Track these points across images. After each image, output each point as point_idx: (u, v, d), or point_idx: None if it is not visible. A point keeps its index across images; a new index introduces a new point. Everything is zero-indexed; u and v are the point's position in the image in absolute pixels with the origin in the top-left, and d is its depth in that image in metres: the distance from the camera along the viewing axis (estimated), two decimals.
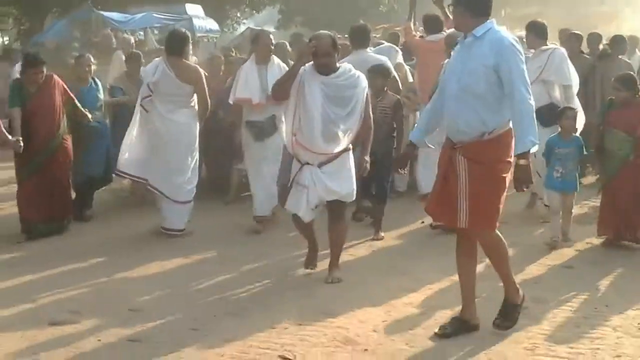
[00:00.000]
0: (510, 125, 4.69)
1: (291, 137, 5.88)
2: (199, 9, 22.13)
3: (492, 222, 4.69)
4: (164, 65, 7.44)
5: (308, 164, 5.84)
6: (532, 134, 4.57)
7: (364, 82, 6.02)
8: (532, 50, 8.05)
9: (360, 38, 8.33)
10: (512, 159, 4.68)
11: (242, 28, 30.71)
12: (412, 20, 9.59)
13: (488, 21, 4.75)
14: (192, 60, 8.74)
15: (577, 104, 7.86)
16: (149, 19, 19.19)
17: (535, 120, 4.63)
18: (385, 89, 7.53)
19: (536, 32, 8.09)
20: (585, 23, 29.47)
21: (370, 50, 8.59)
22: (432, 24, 9.00)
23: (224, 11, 29.50)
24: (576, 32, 10.52)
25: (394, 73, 8.30)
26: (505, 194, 4.69)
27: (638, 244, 6.93)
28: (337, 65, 5.96)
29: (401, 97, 8.00)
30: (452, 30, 7.59)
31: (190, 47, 7.89)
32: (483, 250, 4.85)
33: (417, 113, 9.15)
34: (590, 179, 9.78)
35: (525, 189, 4.69)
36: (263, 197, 7.57)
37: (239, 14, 32.23)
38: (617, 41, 10.29)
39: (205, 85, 7.64)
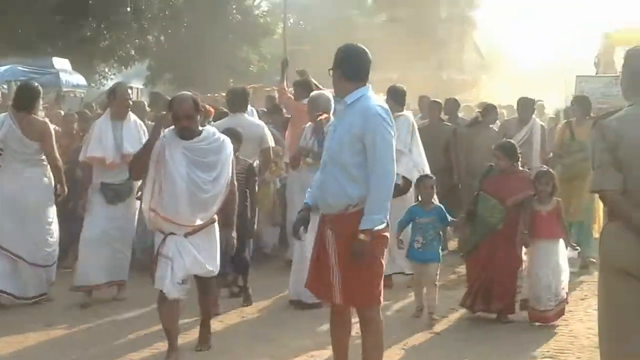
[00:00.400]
0: None
1: (149, 214, 5.44)
2: (67, 63, 21.66)
3: (369, 299, 4.57)
4: (10, 120, 7.01)
5: (173, 233, 5.42)
6: (383, 212, 4.46)
7: (229, 146, 5.64)
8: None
9: (238, 101, 8.24)
10: (386, 233, 4.60)
11: (110, 83, 30.27)
12: (285, 81, 9.66)
13: (363, 87, 4.64)
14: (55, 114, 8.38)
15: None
16: (14, 72, 18.50)
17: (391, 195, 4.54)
18: (236, 153, 6.97)
19: (394, 98, 8.16)
20: (446, 89, 30.82)
21: (247, 115, 8.49)
22: (301, 88, 9.01)
23: (92, 66, 28.98)
24: (436, 99, 10.83)
25: (271, 143, 8.22)
26: (383, 269, 4.60)
27: (494, 314, 6.84)
28: (200, 128, 5.56)
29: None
30: (316, 92, 7.65)
31: (41, 102, 7.51)
32: (359, 324, 4.76)
33: (277, 179, 9.29)
34: (454, 244, 9.99)
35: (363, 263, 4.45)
36: (92, 266, 7.12)
37: (107, 69, 31.75)
38: (489, 110, 10.49)
39: (54, 143, 7.20)
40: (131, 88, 10.57)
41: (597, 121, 4.38)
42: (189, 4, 30.89)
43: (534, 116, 10.16)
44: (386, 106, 4.71)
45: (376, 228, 4.45)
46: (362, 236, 4.40)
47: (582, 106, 9.69)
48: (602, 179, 4.17)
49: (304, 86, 9.05)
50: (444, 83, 35.94)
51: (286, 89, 9.57)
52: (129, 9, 25.07)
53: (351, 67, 4.68)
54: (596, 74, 16.43)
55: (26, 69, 19.00)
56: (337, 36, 37.16)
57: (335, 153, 4.60)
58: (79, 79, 22.10)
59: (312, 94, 7.76)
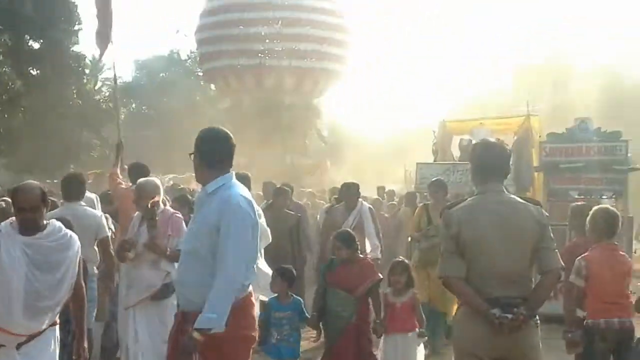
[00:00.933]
0: (249, 290, 4.36)
1: None
2: None
3: None
4: None
5: (2, 345, 4.64)
6: (221, 313, 4.12)
7: (76, 244, 4.97)
8: None
9: (73, 189, 7.50)
10: (253, 331, 4.39)
11: None
12: (119, 165, 8.94)
13: (226, 175, 4.41)
14: None
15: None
16: None
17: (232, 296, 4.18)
18: None
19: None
20: (291, 173, 31.25)
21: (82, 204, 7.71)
22: (137, 172, 8.38)
23: None
24: (283, 186, 10.81)
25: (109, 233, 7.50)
26: None
27: None
28: (45, 222, 4.87)
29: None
30: (143, 179, 7.22)
31: None
32: None
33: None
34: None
35: None
36: None
37: None
38: (344, 190, 10.07)
39: None
40: None
41: (444, 210, 4.60)
42: (27, 87, 30.00)
43: (360, 200, 9.95)
44: (250, 197, 4.47)
45: (213, 330, 4.11)
46: (196, 334, 4.11)
47: (440, 189, 9.54)
48: (446, 266, 4.41)
49: (139, 171, 8.44)
50: (289, 167, 36.42)
51: (118, 174, 8.81)
52: None
53: (211, 153, 4.44)
54: (434, 160, 17.14)
55: None
56: (182, 122, 37.24)
57: (192, 245, 4.37)
58: None
59: (139, 180, 7.30)
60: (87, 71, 39.35)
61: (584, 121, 14.27)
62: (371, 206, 10.39)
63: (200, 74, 51.88)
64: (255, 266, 4.55)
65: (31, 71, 31.52)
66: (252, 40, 45.24)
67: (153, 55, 57.47)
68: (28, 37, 30.27)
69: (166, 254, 6.64)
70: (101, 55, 10.17)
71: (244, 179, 7.96)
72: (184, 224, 6.71)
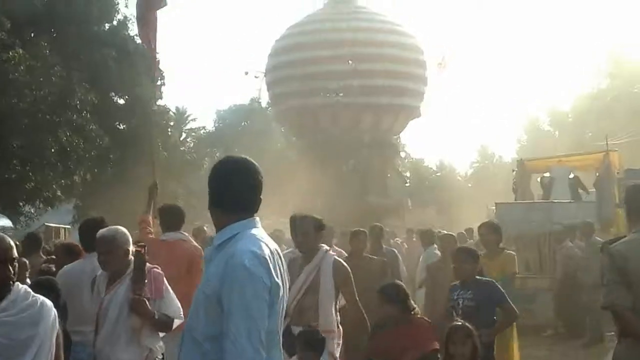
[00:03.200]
0: None
1: None
2: None
3: None
4: None
5: None
6: None
7: (51, 312, 3.72)
8: None
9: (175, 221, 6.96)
10: None
11: (36, 224, 29.90)
12: (151, 211, 7.71)
13: (243, 221, 3.25)
14: None
15: None
16: None
17: None
18: None
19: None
20: (370, 215, 31.18)
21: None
22: (170, 217, 7.34)
23: (17, 207, 28.71)
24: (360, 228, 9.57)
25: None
26: None
27: None
28: (22, 287, 3.70)
29: None
30: (112, 228, 5.41)
31: None
32: None
33: None
34: None
35: None
36: None
37: (32, 210, 31.41)
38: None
39: None
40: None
41: (604, 246, 4.80)
42: (114, 142, 31.09)
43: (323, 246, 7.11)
44: (269, 249, 3.26)
45: None
46: None
47: (496, 233, 8.43)
48: (612, 296, 4.46)
49: (172, 216, 7.32)
50: (368, 209, 35.73)
51: (150, 221, 7.54)
52: (53, 150, 25.08)
53: (221, 190, 3.32)
54: (515, 199, 17.11)
55: None
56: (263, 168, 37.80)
57: (190, 318, 3.29)
58: (4, 220, 21.91)
59: (107, 230, 5.45)
60: (171, 123, 40.52)
61: None
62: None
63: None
64: (278, 344, 3.32)
65: (117, 126, 32.69)
66: (325, 78, 44.39)
67: (234, 104, 58.99)
68: (113, 94, 31.47)
69: (154, 317, 5.07)
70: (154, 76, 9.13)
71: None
72: (166, 281, 5.29)
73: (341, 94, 44.58)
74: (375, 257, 8.90)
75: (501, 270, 8.00)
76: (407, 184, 58.12)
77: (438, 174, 70.87)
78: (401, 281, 7.25)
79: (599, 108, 43.27)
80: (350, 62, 44.61)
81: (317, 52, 44.81)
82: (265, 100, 54.39)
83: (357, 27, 46.00)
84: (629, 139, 28.76)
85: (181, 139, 44.90)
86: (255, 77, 50.87)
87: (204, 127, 54.31)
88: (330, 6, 49.41)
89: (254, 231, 3.25)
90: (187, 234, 7.52)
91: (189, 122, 58.31)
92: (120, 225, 5.23)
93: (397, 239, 14.31)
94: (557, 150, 31.06)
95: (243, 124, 52.05)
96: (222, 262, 3.13)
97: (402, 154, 65.13)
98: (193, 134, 46.84)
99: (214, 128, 51.71)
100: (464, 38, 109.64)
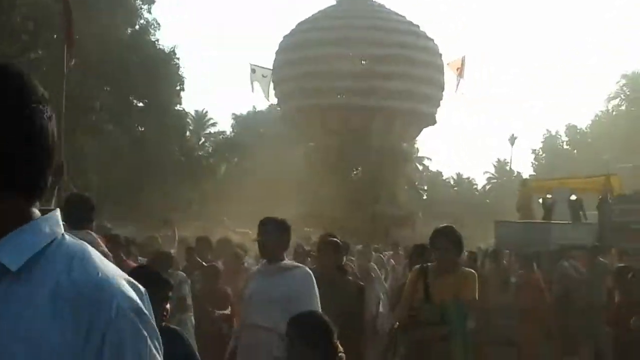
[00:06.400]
0: None
1: None
2: None
3: None
4: None
5: None
6: None
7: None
8: None
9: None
10: None
11: None
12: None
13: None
14: None
15: None
16: None
17: None
18: None
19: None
20: (378, 226, 31.06)
21: None
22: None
23: None
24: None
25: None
26: None
27: None
28: None
29: None
30: None
31: None
32: None
33: None
34: None
35: None
36: None
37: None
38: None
39: None
40: None
41: None
42: (131, 144, 31.44)
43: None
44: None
45: None
46: None
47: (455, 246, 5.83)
48: None
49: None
50: (376, 219, 34.71)
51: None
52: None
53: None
54: (519, 218, 17.35)
55: None
56: (273, 174, 37.68)
57: None
58: None
59: None
60: (190, 127, 40.82)
61: None
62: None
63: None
64: None
65: (137, 129, 33.09)
66: (334, 78, 42.36)
67: (252, 109, 59.15)
68: (132, 97, 31.91)
69: None
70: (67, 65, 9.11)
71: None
72: None
73: (352, 95, 42.63)
74: (350, 279, 7.20)
75: (454, 294, 5.65)
76: (424, 197, 57.53)
77: (455, 188, 70.62)
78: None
79: (618, 130, 43.29)
80: (363, 62, 42.94)
81: (327, 49, 42.97)
82: (272, 99, 52.10)
83: (371, 25, 44.04)
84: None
85: (200, 143, 45.20)
86: (264, 76, 48.15)
87: (223, 132, 54.29)
88: (344, 2, 47.30)
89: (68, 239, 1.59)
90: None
91: (208, 126, 58.70)
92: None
93: (385, 253, 14.38)
94: (577, 170, 31.07)
95: (261, 130, 52.23)
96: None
97: (420, 167, 64.71)
98: (212, 138, 47.07)
99: (232, 134, 51.69)
100: (484, 49, 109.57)
